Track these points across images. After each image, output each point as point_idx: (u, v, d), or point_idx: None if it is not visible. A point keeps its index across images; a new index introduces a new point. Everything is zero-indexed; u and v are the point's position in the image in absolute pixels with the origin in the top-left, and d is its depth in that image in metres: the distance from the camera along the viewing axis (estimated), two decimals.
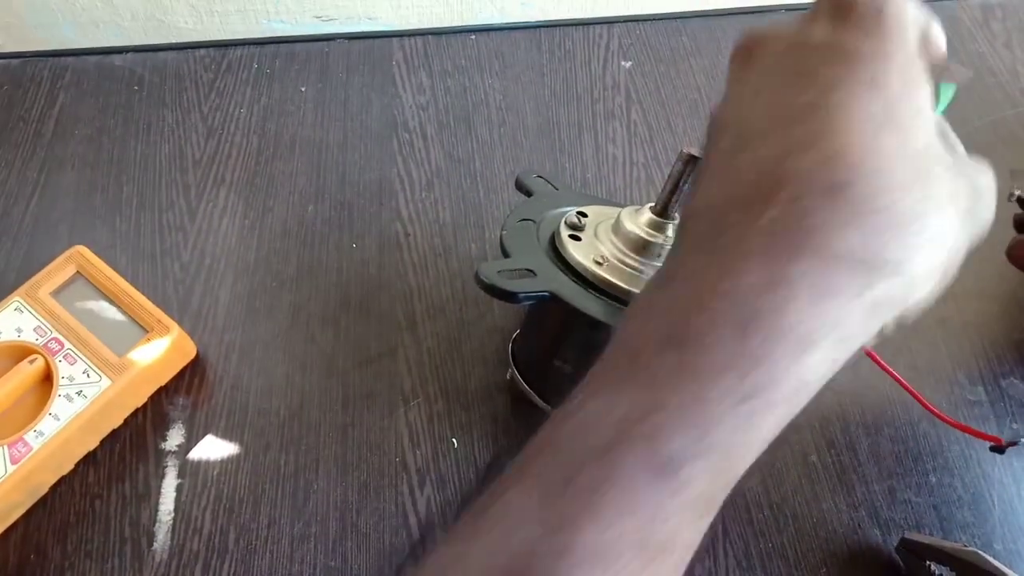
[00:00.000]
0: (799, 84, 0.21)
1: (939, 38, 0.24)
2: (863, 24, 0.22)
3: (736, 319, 0.19)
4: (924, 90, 0.22)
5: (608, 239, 0.38)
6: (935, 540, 0.39)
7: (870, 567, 0.41)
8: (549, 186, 0.44)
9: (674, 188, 0.36)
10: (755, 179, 0.20)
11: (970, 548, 0.37)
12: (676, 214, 0.37)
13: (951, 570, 0.37)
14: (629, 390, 0.20)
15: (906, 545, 0.39)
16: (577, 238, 0.38)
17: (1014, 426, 0.45)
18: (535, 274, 0.34)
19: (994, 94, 0.60)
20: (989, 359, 0.47)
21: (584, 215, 0.39)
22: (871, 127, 0.20)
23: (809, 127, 0.20)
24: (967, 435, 0.44)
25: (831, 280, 0.19)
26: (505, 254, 0.36)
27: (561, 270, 0.36)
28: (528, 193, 0.43)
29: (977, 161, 0.23)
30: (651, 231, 0.36)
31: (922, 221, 0.20)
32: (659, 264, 0.36)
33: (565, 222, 0.38)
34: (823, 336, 0.19)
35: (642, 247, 0.37)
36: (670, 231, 0.37)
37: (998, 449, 0.39)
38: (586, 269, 0.36)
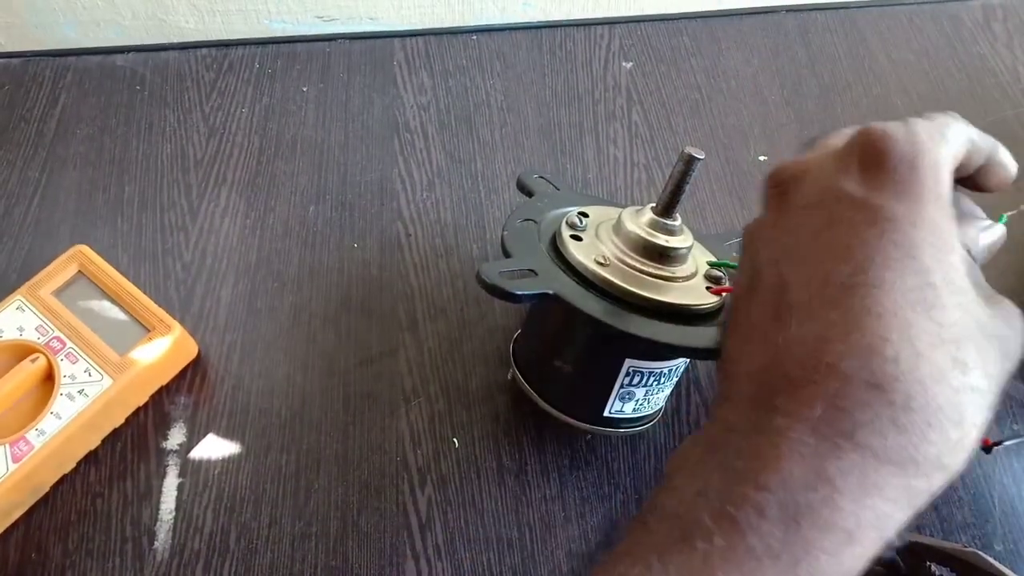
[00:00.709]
0: (836, 249, 0.22)
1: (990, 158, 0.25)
2: (896, 182, 0.22)
3: (786, 509, 0.20)
4: (956, 250, 0.22)
5: (609, 239, 0.38)
6: (935, 540, 0.39)
7: (870, 567, 0.40)
8: (550, 186, 0.44)
9: (675, 188, 0.36)
10: (798, 360, 0.21)
11: (970, 548, 0.37)
12: (677, 215, 0.37)
13: (951, 570, 0.37)
14: (683, 566, 0.20)
15: (906, 545, 0.39)
16: (578, 238, 0.38)
17: (1014, 426, 0.45)
18: (536, 274, 0.34)
19: (994, 94, 0.60)
20: None
21: (585, 215, 0.39)
22: (906, 308, 0.20)
23: (847, 310, 0.21)
24: None
25: (874, 479, 0.20)
26: (506, 254, 0.36)
27: (562, 270, 0.36)
28: (529, 193, 0.43)
29: (1003, 307, 0.23)
30: (652, 231, 0.37)
31: (960, 412, 0.20)
32: (660, 266, 0.37)
33: (566, 222, 0.39)
34: (867, 530, 0.20)
35: (643, 247, 0.37)
36: (672, 231, 0.37)
37: (986, 449, 0.41)
38: (587, 269, 0.36)
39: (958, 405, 0.20)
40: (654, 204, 0.37)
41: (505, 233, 0.38)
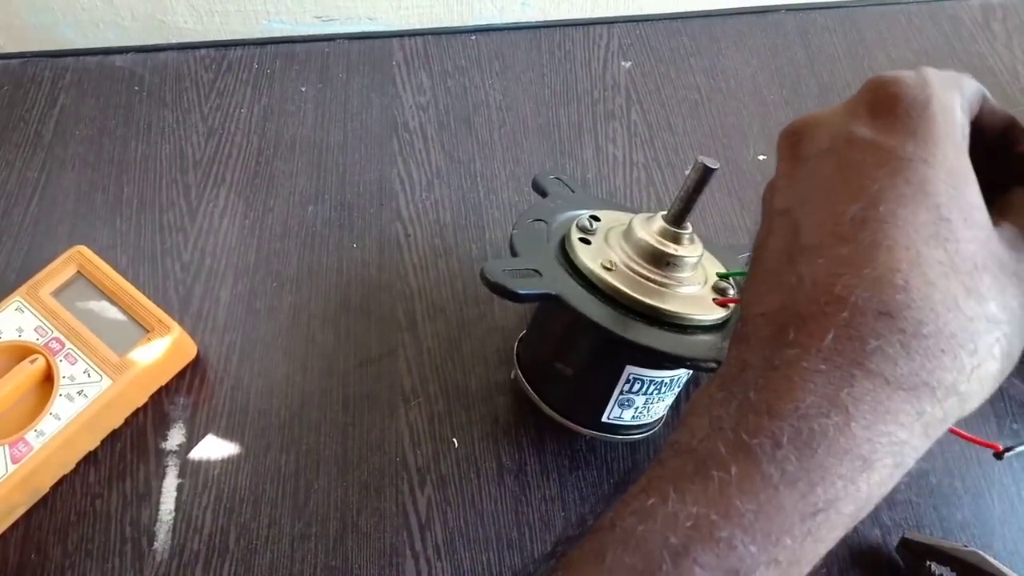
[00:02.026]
0: (847, 190, 0.22)
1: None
2: (907, 123, 0.22)
3: (801, 436, 0.20)
4: (972, 187, 0.22)
5: (618, 245, 0.37)
6: (935, 540, 0.39)
7: (870, 567, 0.41)
8: (566, 188, 0.44)
9: (687, 197, 0.35)
10: (810, 296, 0.21)
11: (970, 548, 0.37)
12: (688, 224, 0.37)
13: (951, 570, 0.37)
14: (699, 495, 0.21)
15: (906, 545, 0.39)
16: (587, 242, 0.38)
17: (1014, 426, 0.45)
18: (541, 275, 0.34)
19: (994, 94, 0.59)
20: None
21: (597, 219, 0.39)
22: (918, 241, 0.21)
23: (859, 244, 0.21)
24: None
25: (887, 405, 0.20)
26: (513, 253, 0.36)
27: (568, 273, 0.36)
28: (544, 194, 0.43)
29: None
30: (662, 239, 0.36)
31: (974, 341, 0.20)
32: (667, 274, 0.36)
33: (577, 225, 0.38)
34: (882, 456, 0.20)
35: (652, 255, 0.36)
36: (682, 240, 0.37)
37: (998, 455, 0.40)
38: (593, 273, 0.36)
39: (972, 333, 0.20)
40: (665, 212, 0.37)
41: (514, 232, 0.37)
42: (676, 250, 0.36)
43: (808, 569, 0.21)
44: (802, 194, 0.24)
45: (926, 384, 0.20)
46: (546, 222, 0.40)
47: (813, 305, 0.21)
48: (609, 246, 0.38)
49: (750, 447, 0.20)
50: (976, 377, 0.21)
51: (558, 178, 0.44)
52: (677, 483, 0.21)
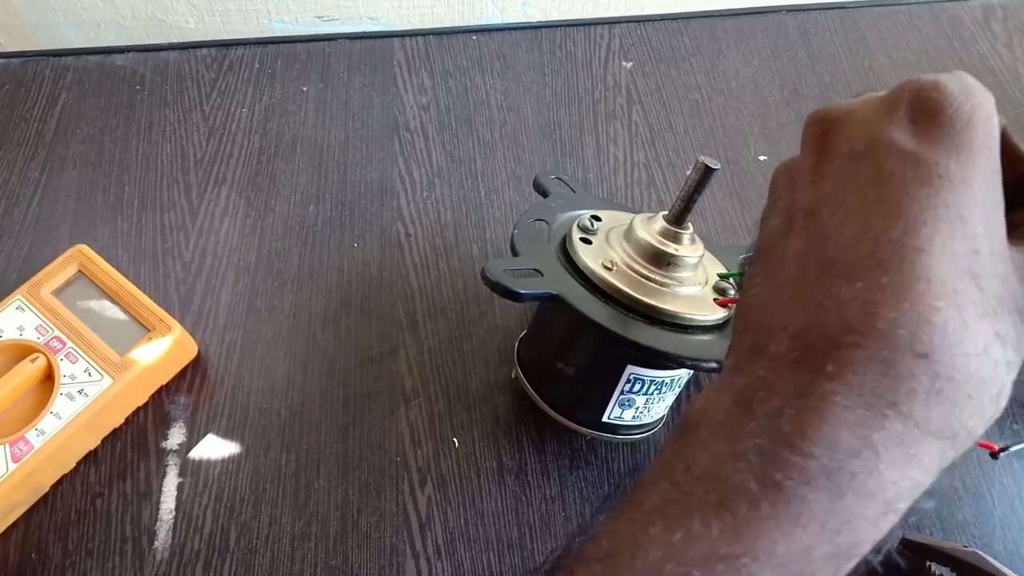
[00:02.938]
0: (885, 206, 0.21)
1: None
2: (950, 137, 0.21)
3: (832, 478, 0.20)
4: (1000, 214, 0.21)
5: (619, 244, 0.37)
6: (935, 540, 0.39)
7: (871, 567, 0.41)
8: (567, 188, 0.44)
9: (688, 197, 0.35)
10: (846, 323, 0.20)
11: (970, 548, 0.37)
12: (689, 224, 0.37)
13: (951, 570, 0.37)
14: (728, 533, 0.20)
15: (906, 545, 0.39)
16: (588, 241, 0.38)
17: (1014, 426, 0.45)
18: (542, 274, 0.34)
19: (994, 94, 0.60)
20: None
21: (598, 219, 0.39)
22: (955, 276, 0.20)
23: (900, 273, 0.20)
24: None
25: (915, 450, 0.20)
26: (514, 253, 0.36)
27: (569, 272, 0.36)
28: (544, 193, 0.43)
29: None
30: (663, 239, 0.36)
31: (999, 385, 0.20)
32: (667, 274, 0.36)
33: (578, 225, 0.38)
34: (904, 499, 0.20)
35: (653, 255, 0.36)
36: (682, 240, 0.36)
37: (994, 455, 0.41)
38: (594, 273, 0.36)
39: (998, 378, 0.20)
40: (667, 212, 0.37)
41: (515, 232, 0.37)
42: (677, 250, 0.36)
43: None
44: (833, 198, 0.22)
45: (952, 429, 0.20)
46: (547, 222, 0.40)
47: (849, 335, 0.20)
48: (610, 246, 0.38)
49: (781, 485, 0.20)
50: (992, 419, 0.21)
51: (559, 178, 0.44)
52: (703, 515, 0.20)
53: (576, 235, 0.38)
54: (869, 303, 0.20)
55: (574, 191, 0.44)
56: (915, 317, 0.20)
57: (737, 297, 0.38)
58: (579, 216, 0.39)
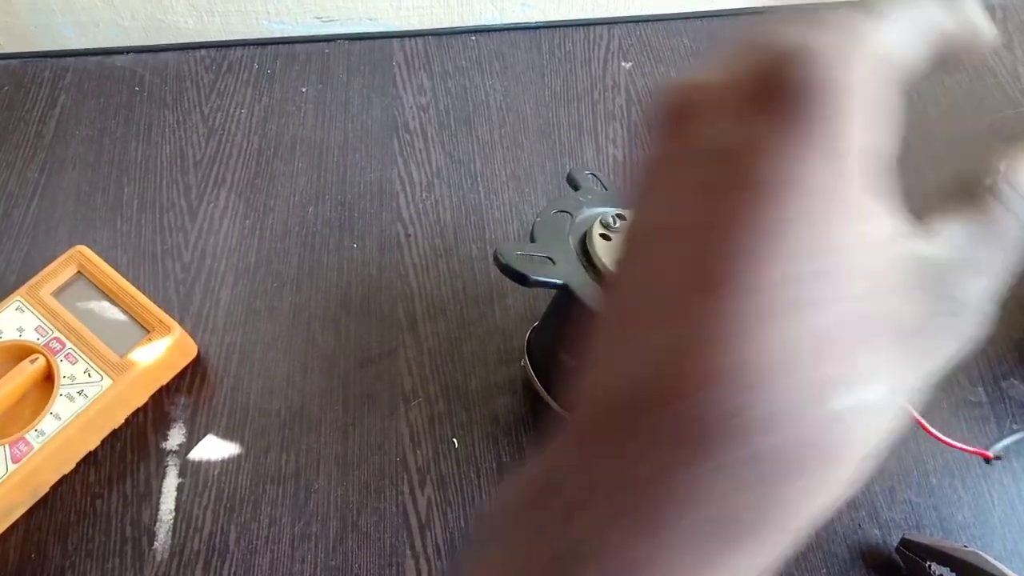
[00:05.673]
0: (701, 232, 0.16)
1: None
2: (794, 125, 0.15)
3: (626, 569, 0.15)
4: (872, 222, 0.16)
5: None
6: (935, 540, 0.39)
7: (870, 567, 0.41)
8: (600, 184, 0.44)
9: None
10: (648, 384, 0.16)
11: (970, 548, 0.37)
12: None
13: (951, 570, 0.37)
14: None
15: (906, 545, 0.39)
16: (608, 238, 0.38)
17: (1014, 427, 0.45)
18: (554, 263, 0.34)
19: (994, 94, 0.60)
20: (989, 360, 0.47)
21: (623, 217, 0.39)
22: (786, 309, 0.15)
23: (707, 316, 0.15)
24: (968, 434, 0.44)
25: (719, 547, 0.16)
26: (532, 239, 0.36)
27: (583, 265, 0.36)
28: (576, 187, 0.43)
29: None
30: None
31: (841, 448, 0.15)
32: None
33: (600, 221, 0.39)
34: None
35: None
36: None
37: (987, 461, 0.43)
38: (608, 269, 0.36)
39: (837, 436, 0.15)
40: None
41: (537, 219, 0.38)
42: None
43: None
44: (648, 223, 0.18)
45: (769, 519, 0.15)
46: (571, 214, 0.40)
47: (639, 400, 0.16)
48: None
49: None
50: (840, 482, 0.16)
51: (593, 174, 0.45)
52: None
53: (596, 230, 0.38)
54: (674, 355, 0.15)
55: (606, 188, 0.44)
56: (723, 371, 0.15)
57: None
58: (604, 213, 0.39)
